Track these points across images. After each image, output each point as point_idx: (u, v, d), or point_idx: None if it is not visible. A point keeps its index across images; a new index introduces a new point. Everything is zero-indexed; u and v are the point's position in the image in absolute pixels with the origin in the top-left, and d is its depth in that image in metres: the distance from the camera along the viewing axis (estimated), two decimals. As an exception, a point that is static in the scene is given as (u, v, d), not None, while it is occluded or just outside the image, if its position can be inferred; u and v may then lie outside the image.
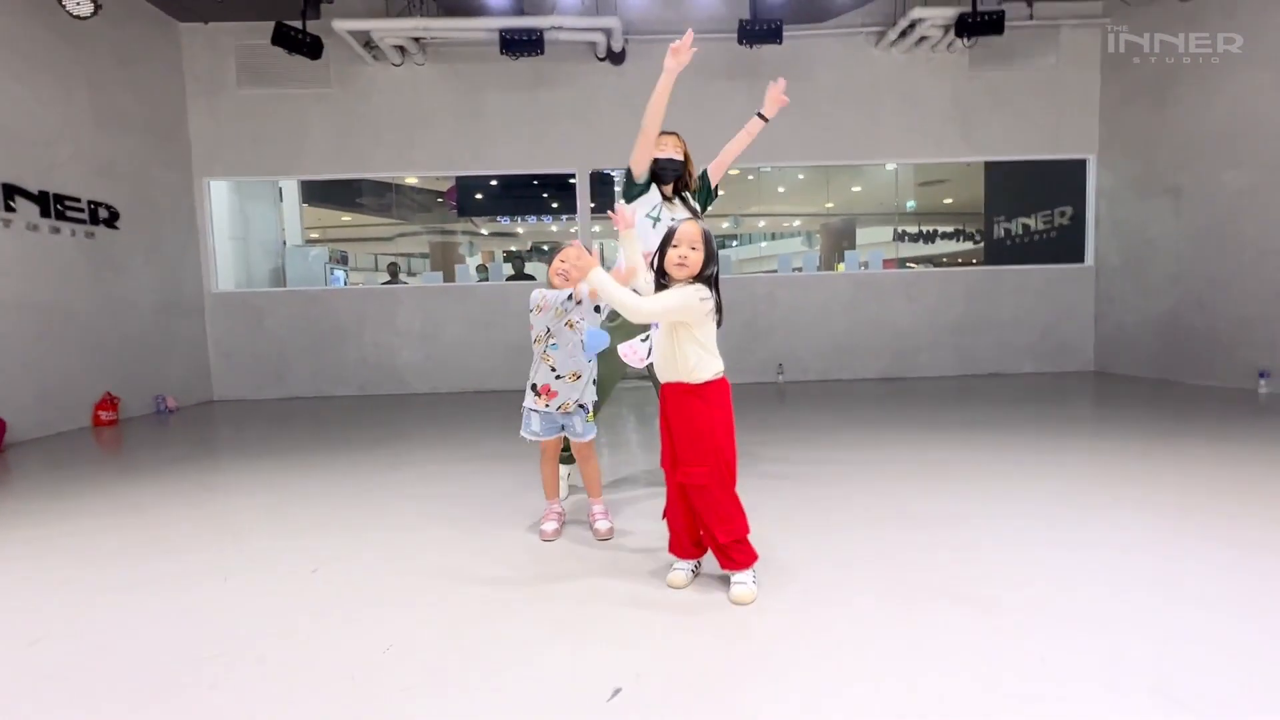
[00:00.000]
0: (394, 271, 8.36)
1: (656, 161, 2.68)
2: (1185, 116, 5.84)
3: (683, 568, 1.90)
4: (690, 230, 1.76)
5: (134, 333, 5.79)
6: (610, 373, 2.67)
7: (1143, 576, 1.83)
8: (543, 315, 2.22)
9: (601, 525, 2.32)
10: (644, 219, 2.70)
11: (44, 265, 4.95)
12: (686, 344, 1.77)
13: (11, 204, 4.68)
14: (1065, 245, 7.33)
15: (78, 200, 5.25)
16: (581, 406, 2.30)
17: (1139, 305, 6.41)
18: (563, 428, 2.31)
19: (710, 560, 1.90)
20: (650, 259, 1.86)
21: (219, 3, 5.45)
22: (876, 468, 3.16)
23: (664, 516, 1.94)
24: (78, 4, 4.79)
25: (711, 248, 1.78)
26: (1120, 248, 6.69)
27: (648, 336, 1.98)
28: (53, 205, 5.01)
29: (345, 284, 8.16)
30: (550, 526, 2.30)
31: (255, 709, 1.32)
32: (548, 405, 2.26)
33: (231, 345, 6.80)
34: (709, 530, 1.81)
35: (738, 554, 1.79)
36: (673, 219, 2.69)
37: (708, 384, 1.79)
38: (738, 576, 1.78)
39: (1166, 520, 2.29)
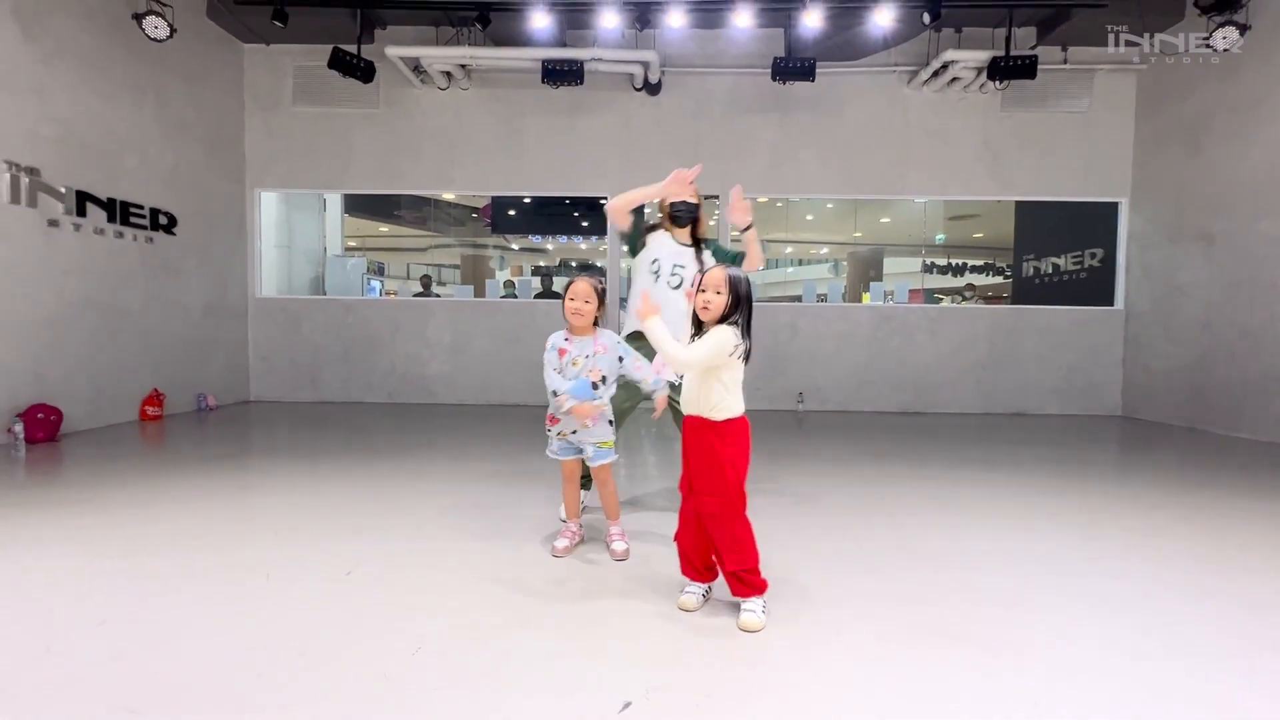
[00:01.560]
0: (426, 283, 8.63)
1: (672, 205, 2.75)
2: (1220, 163, 5.83)
3: (694, 591, 1.99)
4: (716, 275, 1.88)
5: (182, 333, 6.11)
6: (627, 398, 2.78)
7: (1147, 629, 1.87)
8: (561, 359, 2.33)
9: (618, 546, 2.42)
10: (647, 272, 2.77)
11: (108, 267, 5.27)
12: (712, 384, 1.89)
13: (83, 210, 5.01)
14: (1095, 287, 7.29)
15: (141, 207, 5.59)
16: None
17: (1168, 351, 6.34)
18: (579, 451, 2.43)
19: (721, 585, 1.99)
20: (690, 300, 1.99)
21: (282, 27, 5.79)
22: (890, 503, 3.22)
23: (675, 539, 2.05)
24: (155, 27, 5.16)
25: (739, 292, 1.88)
26: (1150, 293, 6.64)
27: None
28: (119, 211, 5.35)
29: (381, 294, 8.45)
30: (562, 543, 2.41)
31: (296, 697, 1.45)
32: (555, 430, 2.40)
33: (270, 349, 7.09)
34: (720, 556, 1.91)
35: (748, 581, 1.88)
36: (676, 267, 2.74)
37: (726, 423, 1.90)
38: (747, 604, 1.87)
39: (1178, 574, 2.32)
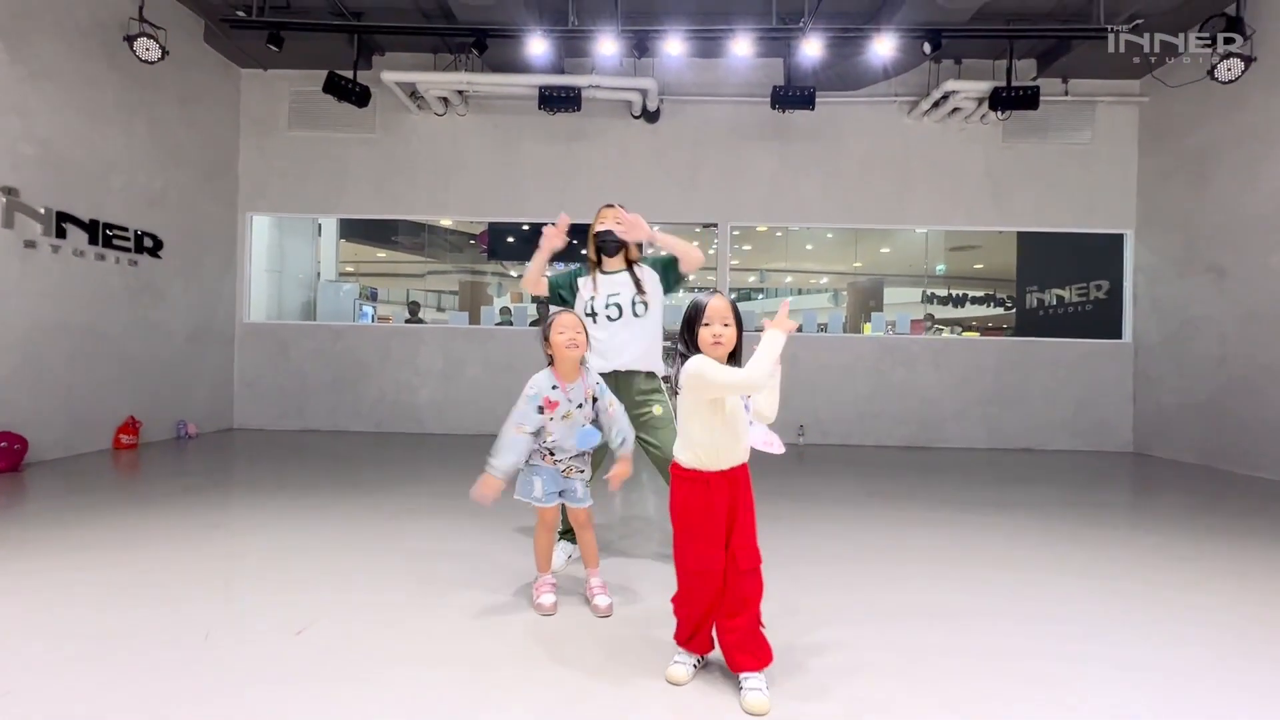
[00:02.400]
0: (414, 310, 8.49)
1: (597, 235, 2.61)
2: (1228, 195, 5.72)
3: (685, 661, 1.76)
4: (720, 306, 1.68)
5: (164, 358, 5.91)
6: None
7: (1154, 694, 1.64)
8: (545, 414, 2.11)
9: (601, 601, 2.19)
10: (584, 317, 2.56)
11: (85, 290, 5.11)
12: (745, 422, 1.71)
13: (63, 231, 4.87)
14: (1101, 319, 7.13)
15: (125, 229, 5.46)
16: (581, 472, 2.24)
17: (1180, 386, 6.15)
18: (562, 493, 2.22)
19: (715, 656, 1.76)
20: (676, 339, 1.78)
21: (277, 51, 5.74)
22: (896, 553, 2.99)
23: (672, 600, 1.82)
24: (146, 49, 5.10)
25: (740, 318, 1.72)
26: (1160, 326, 6.47)
27: (751, 422, 1.77)
28: (101, 233, 5.21)
29: (373, 320, 8.29)
30: (548, 599, 2.18)
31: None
32: (555, 462, 2.19)
33: (255, 375, 6.90)
34: (753, 619, 1.67)
35: (754, 650, 1.64)
36: (610, 297, 2.58)
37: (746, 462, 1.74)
38: (750, 681, 1.63)
39: (1202, 632, 2.08)
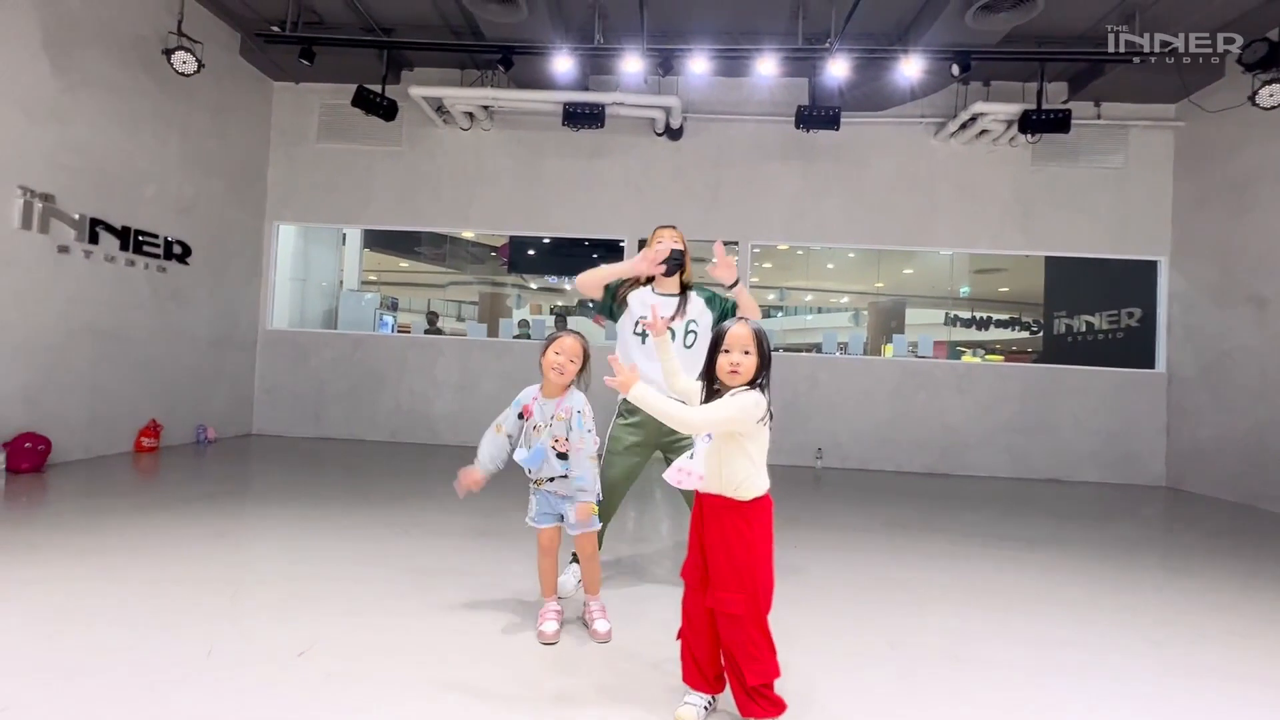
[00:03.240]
0: (433, 320, 8.54)
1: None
2: (1268, 223, 5.53)
3: (696, 703, 1.68)
4: (742, 333, 1.63)
5: (187, 363, 6.00)
6: (619, 477, 2.52)
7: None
8: (524, 421, 2.16)
9: (600, 627, 2.14)
10: (632, 336, 2.55)
11: (115, 295, 5.21)
12: (737, 457, 1.62)
13: (95, 237, 4.98)
14: (1133, 348, 6.92)
15: (155, 236, 5.57)
16: (581, 490, 2.13)
17: (1218, 420, 5.92)
18: (562, 517, 2.17)
19: (727, 698, 1.68)
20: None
21: (309, 65, 5.86)
22: (914, 590, 2.87)
23: (679, 637, 1.75)
24: (184, 62, 5.23)
25: (765, 350, 1.65)
26: (1196, 357, 6.25)
27: (693, 453, 1.70)
28: (133, 240, 5.32)
29: (393, 329, 8.36)
30: (550, 627, 2.12)
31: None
32: (539, 486, 2.15)
33: (275, 382, 6.97)
34: (735, 667, 1.61)
35: (763, 702, 1.57)
36: (661, 319, 2.50)
37: (753, 503, 1.63)
38: None
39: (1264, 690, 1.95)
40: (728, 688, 1.68)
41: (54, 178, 4.66)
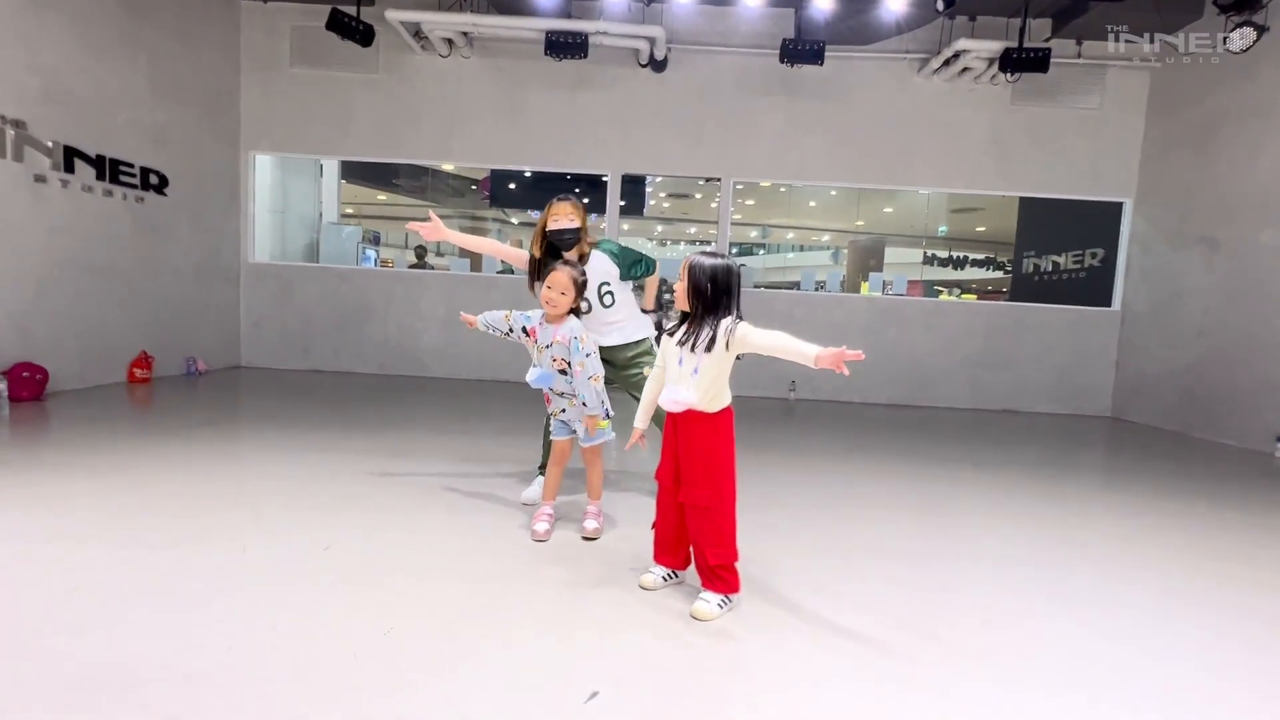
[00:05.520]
0: (421, 254, 8.55)
1: (551, 233, 2.62)
2: (1228, 169, 5.76)
3: (656, 572, 2.02)
4: (682, 267, 1.90)
5: (172, 295, 6.04)
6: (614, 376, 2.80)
7: (1119, 634, 1.89)
8: (528, 338, 2.39)
9: (590, 525, 2.43)
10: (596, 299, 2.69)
11: (96, 226, 5.18)
12: (721, 379, 1.87)
13: (71, 166, 4.91)
14: (1093, 287, 7.26)
15: (131, 166, 5.48)
16: (564, 411, 2.42)
17: (1163, 355, 6.34)
18: (572, 432, 2.43)
19: (694, 574, 2.00)
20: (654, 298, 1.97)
21: (279, -15, 5.63)
22: (873, 501, 3.23)
23: (653, 527, 2.05)
24: (147, -21, 4.99)
25: (695, 278, 1.86)
26: (1149, 295, 6.61)
27: (684, 386, 1.92)
28: (108, 169, 5.24)
29: (376, 264, 8.36)
30: (542, 526, 2.39)
31: (265, 676, 1.45)
32: (555, 416, 2.40)
33: (261, 314, 7.03)
34: (700, 550, 1.91)
35: (724, 578, 1.88)
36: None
37: (721, 412, 1.90)
38: (704, 594, 1.87)
39: (1155, 578, 2.34)
40: (691, 568, 2.00)
41: (21, 103, 4.54)
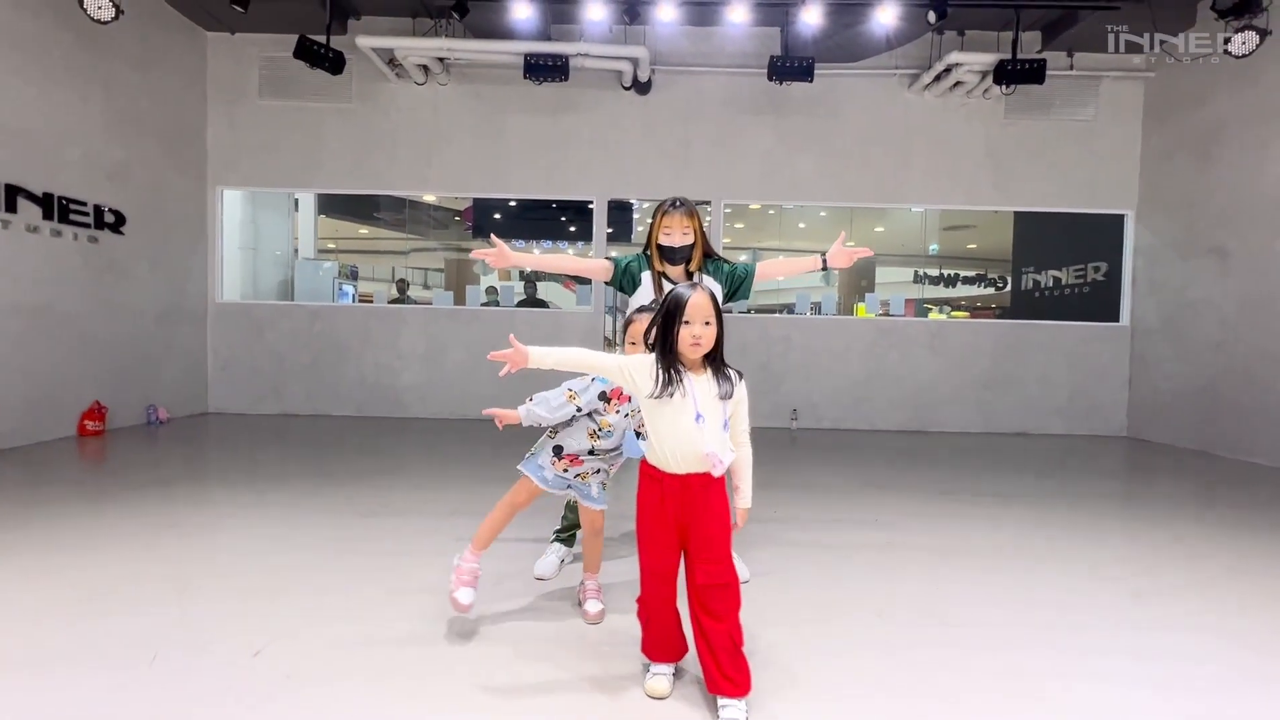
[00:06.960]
0: (402, 288, 8.23)
1: (663, 248, 2.29)
2: (1233, 176, 5.57)
3: (665, 672, 1.65)
4: (702, 303, 1.51)
5: (131, 339, 5.64)
6: None
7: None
8: (610, 402, 1.95)
9: (593, 607, 2.06)
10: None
11: (42, 268, 4.81)
12: (701, 434, 1.53)
13: (13, 205, 4.56)
14: (1098, 302, 7.02)
15: (84, 204, 5.14)
16: (598, 472, 2.06)
17: (1178, 371, 6.06)
18: (569, 486, 2.06)
19: (689, 662, 1.62)
20: (647, 335, 1.60)
21: (243, 12, 5.37)
22: (886, 553, 2.86)
23: (637, 601, 1.69)
24: (99, 7, 4.72)
25: (719, 311, 1.56)
26: (1159, 309, 6.37)
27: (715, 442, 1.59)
28: (56, 207, 4.89)
29: (354, 299, 8.00)
30: (465, 596, 1.93)
31: None
32: (566, 470, 2.03)
33: (230, 357, 6.63)
34: (724, 636, 1.52)
35: (737, 671, 1.50)
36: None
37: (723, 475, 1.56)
38: (732, 704, 1.49)
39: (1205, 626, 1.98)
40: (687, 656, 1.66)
41: (-41, 140, 4.21)
